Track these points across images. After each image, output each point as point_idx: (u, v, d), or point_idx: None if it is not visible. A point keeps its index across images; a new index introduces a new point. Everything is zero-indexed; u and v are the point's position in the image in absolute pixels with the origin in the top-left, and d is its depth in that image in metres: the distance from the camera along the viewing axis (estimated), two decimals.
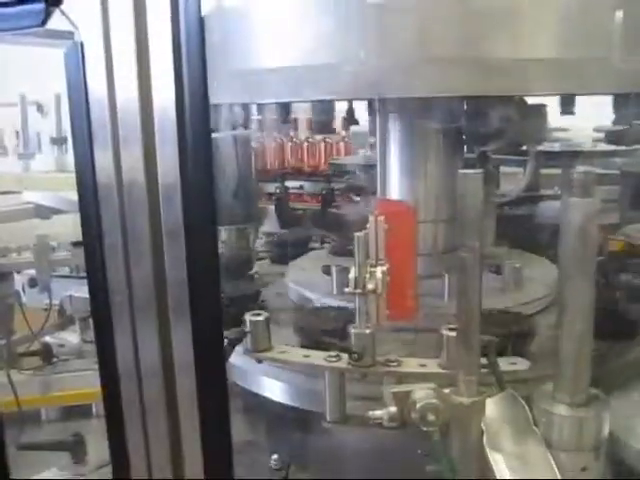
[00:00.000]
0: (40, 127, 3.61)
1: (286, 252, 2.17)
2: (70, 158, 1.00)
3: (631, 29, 1.33)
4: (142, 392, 1.00)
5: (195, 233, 0.90)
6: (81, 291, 2.38)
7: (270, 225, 2.40)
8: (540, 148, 2.06)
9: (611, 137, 2.30)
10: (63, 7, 0.91)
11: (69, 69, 0.91)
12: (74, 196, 0.99)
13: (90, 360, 2.07)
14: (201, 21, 0.88)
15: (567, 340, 1.00)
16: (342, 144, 3.20)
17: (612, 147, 2.30)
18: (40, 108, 3.78)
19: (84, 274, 1.02)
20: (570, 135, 2.97)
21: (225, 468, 1.01)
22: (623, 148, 2.25)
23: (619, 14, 1.31)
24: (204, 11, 0.89)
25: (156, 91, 0.90)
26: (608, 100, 1.64)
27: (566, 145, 2.52)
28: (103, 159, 0.93)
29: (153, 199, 0.91)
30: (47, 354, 2.31)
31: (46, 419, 2.23)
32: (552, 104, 1.81)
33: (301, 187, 2.99)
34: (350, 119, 3.00)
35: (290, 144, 3.04)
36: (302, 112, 3.18)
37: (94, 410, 2.13)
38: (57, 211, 2.45)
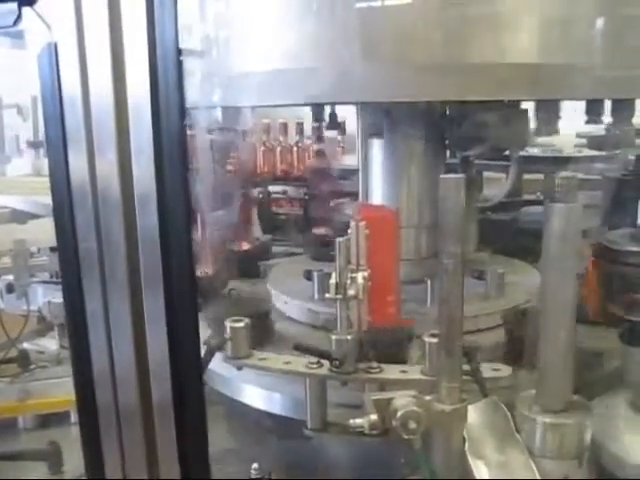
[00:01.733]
0: (20, 130, 3.57)
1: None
2: (45, 162, 0.98)
3: (611, 36, 1.34)
4: (117, 399, 0.98)
5: (171, 239, 0.89)
6: (60, 297, 2.35)
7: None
8: (523, 153, 2.06)
9: (593, 142, 2.31)
10: (37, 7, 0.90)
11: (43, 71, 0.89)
12: (50, 200, 0.97)
13: (69, 367, 2.04)
14: (177, 23, 0.86)
15: (549, 346, 1.00)
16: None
17: (594, 152, 2.31)
18: (20, 111, 3.74)
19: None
20: (553, 141, 2.99)
21: (202, 476, 0.99)
22: (605, 154, 2.25)
23: (600, 21, 1.31)
24: (181, 14, 0.87)
25: (131, 94, 0.88)
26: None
27: (549, 150, 2.53)
28: (78, 163, 0.91)
29: (128, 204, 0.89)
30: (24, 361, 2.27)
31: (23, 427, 2.19)
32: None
33: (284, 192, 2.98)
34: (332, 124, 3.00)
35: (278, 149, 3.03)
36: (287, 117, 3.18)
37: (72, 418, 2.09)
38: (34, 216, 2.41)
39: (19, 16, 0.90)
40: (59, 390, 2.05)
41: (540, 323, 1.01)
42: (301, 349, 1.24)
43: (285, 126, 3.07)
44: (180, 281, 0.90)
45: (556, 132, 1.55)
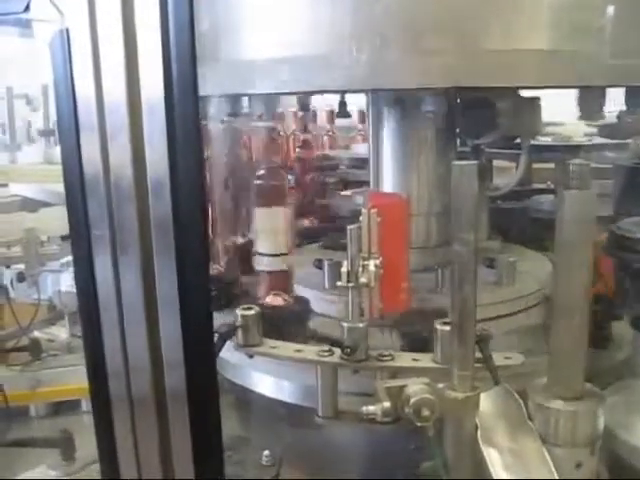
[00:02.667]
0: (30, 119, 3.58)
1: None
2: (57, 150, 0.98)
3: (622, 23, 1.32)
4: (130, 388, 0.98)
5: (185, 226, 0.89)
6: (71, 286, 2.36)
7: None
8: (533, 142, 2.05)
9: (604, 131, 2.30)
10: None
11: (55, 58, 0.89)
12: (62, 188, 0.97)
13: (79, 355, 2.05)
14: (191, 10, 0.86)
15: (562, 334, 0.99)
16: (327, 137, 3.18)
17: (606, 140, 2.30)
18: (29, 101, 3.75)
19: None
20: (563, 129, 2.97)
21: (215, 465, 1.00)
22: (616, 142, 2.24)
23: (610, 8, 1.30)
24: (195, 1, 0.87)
25: (144, 82, 0.88)
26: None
27: (559, 139, 2.52)
28: (90, 151, 0.91)
29: (141, 192, 0.89)
30: (36, 349, 2.29)
31: (35, 415, 2.21)
32: (546, 98, 1.81)
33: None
34: (341, 112, 2.99)
35: (282, 136, 3.02)
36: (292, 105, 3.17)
37: (83, 406, 2.11)
38: (45, 204, 2.42)
39: (29, 2, 0.89)
40: (70, 378, 2.07)
41: (553, 310, 1.01)
42: (313, 336, 1.25)
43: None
44: (193, 269, 0.90)
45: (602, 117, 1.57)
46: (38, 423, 2.17)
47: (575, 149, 2.45)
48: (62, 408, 2.16)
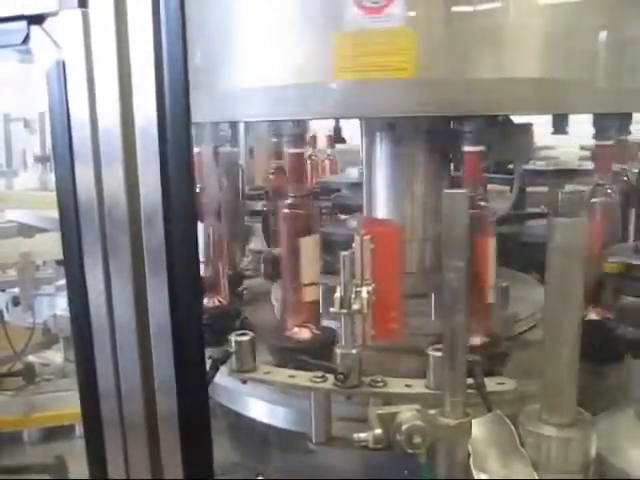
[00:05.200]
0: (26, 144, 3.60)
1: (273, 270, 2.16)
2: (53, 177, 0.99)
3: (613, 50, 1.35)
4: (122, 412, 0.98)
5: (177, 253, 0.90)
6: (66, 310, 2.36)
7: (256, 243, 2.39)
8: (526, 167, 2.07)
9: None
10: (45, 26, 0.91)
11: (51, 88, 0.90)
12: (57, 214, 0.98)
13: (74, 380, 2.04)
14: (184, 40, 0.87)
15: (553, 360, 1.00)
16: (327, 162, 3.21)
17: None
18: (27, 124, 3.77)
19: None
20: (557, 153, 3.00)
21: None
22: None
23: (602, 35, 1.32)
24: (189, 30, 0.88)
25: (138, 110, 0.89)
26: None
27: (552, 163, 2.54)
28: (84, 178, 0.92)
29: (135, 219, 0.90)
30: (29, 374, 2.28)
31: (28, 441, 2.19)
32: (538, 123, 1.83)
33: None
34: (337, 137, 3.01)
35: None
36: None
37: (77, 431, 2.09)
38: (41, 229, 2.43)
39: (28, 34, 0.91)
40: (64, 403, 2.06)
41: (544, 337, 1.01)
42: (306, 363, 1.25)
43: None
44: (186, 296, 0.91)
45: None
46: (31, 449, 2.16)
47: (568, 174, 2.47)
48: (56, 434, 2.14)
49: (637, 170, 1.84)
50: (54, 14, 0.90)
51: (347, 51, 1.20)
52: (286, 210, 1.42)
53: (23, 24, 0.91)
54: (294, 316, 1.44)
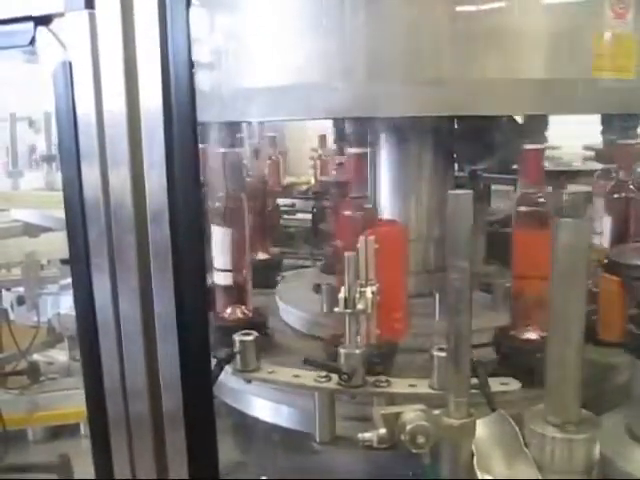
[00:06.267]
0: (31, 144, 3.61)
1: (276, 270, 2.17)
2: (60, 176, 0.99)
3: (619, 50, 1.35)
4: (128, 411, 0.98)
5: (183, 253, 0.90)
6: (70, 309, 2.37)
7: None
8: None
9: (601, 155, 2.31)
10: (52, 27, 0.91)
11: (57, 88, 0.91)
12: (63, 214, 0.98)
13: (78, 379, 2.05)
14: (189, 41, 0.88)
15: (557, 361, 1.00)
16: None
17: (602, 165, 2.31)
18: (32, 124, 3.78)
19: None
20: (560, 153, 2.99)
21: None
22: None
23: (607, 35, 1.32)
24: (193, 30, 0.89)
25: (144, 110, 0.89)
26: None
27: (556, 163, 2.54)
28: (91, 177, 0.92)
29: (140, 219, 0.91)
30: (34, 373, 2.29)
31: (33, 440, 2.20)
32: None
33: (293, 205, 2.99)
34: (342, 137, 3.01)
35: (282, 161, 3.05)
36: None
37: (82, 430, 2.10)
38: (46, 229, 2.44)
39: (34, 35, 0.91)
40: (69, 402, 2.06)
41: (548, 337, 1.01)
42: (310, 363, 1.25)
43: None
44: (192, 295, 0.91)
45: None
46: (35, 448, 2.16)
47: (571, 174, 2.47)
48: (60, 432, 2.15)
49: None
50: (61, 15, 0.90)
51: (604, 50, 1.25)
52: None
53: (30, 25, 0.92)
54: None
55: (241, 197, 1.57)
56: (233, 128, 1.57)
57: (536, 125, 1.38)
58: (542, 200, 1.35)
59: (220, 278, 1.56)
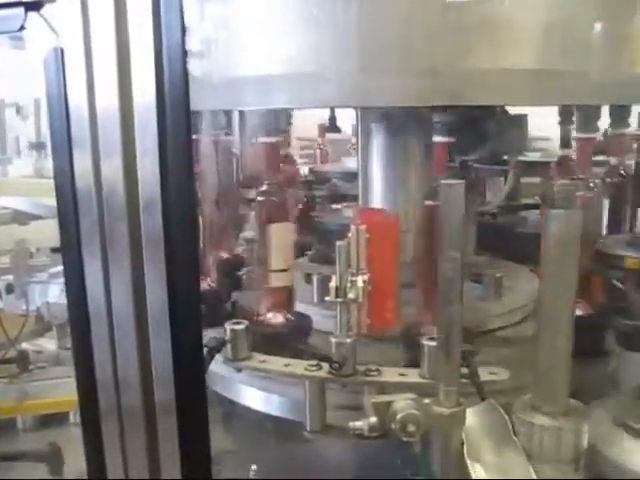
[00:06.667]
0: (19, 131, 3.58)
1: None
2: (49, 163, 0.98)
3: (610, 42, 1.35)
4: (120, 401, 0.98)
5: (175, 242, 0.90)
6: (59, 297, 2.36)
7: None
8: (521, 158, 2.07)
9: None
10: (43, 12, 0.90)
11: (49, 75, 0.90)
12: (53, 202, 0.98)
13: (68, 367, 2.05)
14: (183, 29, 0.87)
15: (546, 350, 1.01)
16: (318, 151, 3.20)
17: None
18: (19, 110, 3.75)
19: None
20: (551, 145, 3.00)
21: (204, 478, 1.00)
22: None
23: (598, 27, 1.33)
24: (186, 19, 0.88)
25: (137, 98, 0.89)
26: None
27: (547, 155, 2.55)
28: (82, 166, 0.92)
29: (133, 207, 0.90)
30: (23, 361, 2.28)
31: (22, 428, 2.19)
32: (533, 114, 1.83)
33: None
34: (332, 127, 3.01)
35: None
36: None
37: (71, 418, 2.10)
38: (36, 217, 2.42)
39: (25, 21, 0.90)
40: (58, 391, 2.06)
41: (538, 327, 1.02)
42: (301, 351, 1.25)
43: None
44: (184, 284, 0.91)
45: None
46: (25, 436, 2.16)
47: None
48: (50, 421, 2.14)
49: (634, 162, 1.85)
50: (52, 1, 0.89)
51: None
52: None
53: (20, 10, 0.91)
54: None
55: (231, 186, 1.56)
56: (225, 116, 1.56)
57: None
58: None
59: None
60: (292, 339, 1.42)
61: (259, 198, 1.50)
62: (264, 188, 1.49)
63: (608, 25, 1.33)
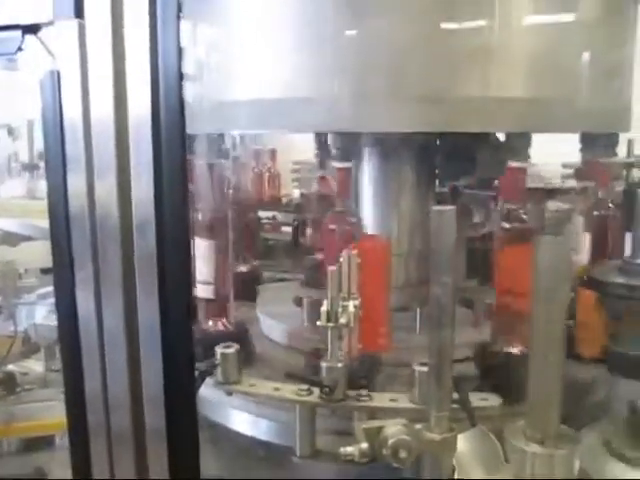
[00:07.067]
0: (10, 151, 3.57)
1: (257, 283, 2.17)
2: (41, 185, 0.99)
3: (599, 70, 1.37)
4: (109, 422, 0.98)
5: (169, 264, 0.90)
6: (47, 319, 2.34)
7: None
8: None
9: (580, 173, 2.34)
10: (40, 35, 0.91)
11: (45, 97, 0.90)
12: (44, 223, 0.97)
13: (55, 390, 2.03)
14: (179, 52, 0.88)
15: (538, 377, 1.01)
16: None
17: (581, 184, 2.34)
18: (11, 131, 3.75)
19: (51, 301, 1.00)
20: (538, 170, 3.03)
21: None
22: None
23: (587, 55, 1.35)
24: (182, 42, 0.89)
25: (132, 120, 0.89)
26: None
27: (536, 180, 2.56)
28: (76, 187, 0.92)
29: (126, 229, 0.90)
30: (10, 383, 2.25)
31: (7, 451, 2.16)
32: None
33: (274, 217, 2.99)
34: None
35: (267, 174, 3.06)
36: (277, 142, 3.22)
37: (57, 442, 2.07)
38: (26, 238, 2.41)
39: (22, 43, 0.91)
40: (45, 413, 2.03)
41: (529, 355, 1.02)
42: (291, 376, 1.25)
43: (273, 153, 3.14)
44: (176, 306, 0.91)
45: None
46: (10, 460, 2.12)
47: (550, 191, 2.49)
48: (35, 444, 2.11)
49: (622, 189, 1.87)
50: (49, 24, 0.90)
51: None
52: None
53: (18, 33, 0.92)
54: None
55: (223, 209, 1.57)
56: (218, 140, 1.57)
57: (519, 142, 1.40)
58: (524, 217, 1.37)
59: (202, 291, 1.56)
60: None
61: None
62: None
63: (596, 55, 1.36)
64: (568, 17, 1.33)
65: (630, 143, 2.98)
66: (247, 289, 2.00)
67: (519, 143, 1.40)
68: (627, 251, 1.39)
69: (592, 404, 1.41)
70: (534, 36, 1.32)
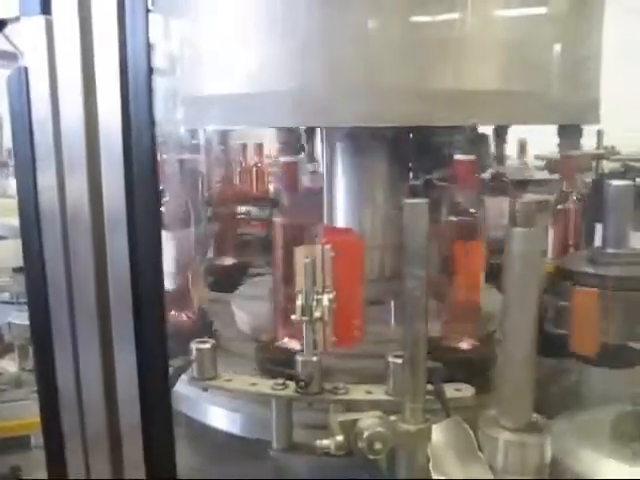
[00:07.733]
0: None
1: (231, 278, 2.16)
2: (11, 182, 0.98)
3: (568, 63, 1.39)
4: (84, 422, 0.97)
5: (141, 261, 0.89)
6: (20, 318, 2.32)
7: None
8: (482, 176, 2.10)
9: (551, 165, 2.37)
10: (7, 31, 0.90)
11: (12, 94, 0.89)
12: (16, 222, 0.96)
13: (28, 389, 2.01)
14: (148, 47, 0.87)
15: (509, 366, 1.02)
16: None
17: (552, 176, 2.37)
18: None
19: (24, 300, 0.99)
20: (510, 163, 3.06)
21: None
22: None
23: (557, 48, 1.37)
24: (151, 37, 0.88)
25: (102, 117, 0.88)
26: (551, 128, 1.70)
27: (508, 173, 2.59)
28: (46, 185, 0.91)
29: (98, 226, 0.90)
30: None
31: None
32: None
33: (248, 212, 2.98)
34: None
35: (238, 169, 3.05)
36: (252, 137, 3.21)
37: (33, 442, 2.05)
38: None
39: None
40: (19, 413, 2.02)
41: (501, 344, 1.04)
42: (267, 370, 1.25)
43: (244, 147, 3.13)
44: (149, 303, 0.91)
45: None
46: None
47: (525, 183, 2.52)
48: (9, 445, 2.09)
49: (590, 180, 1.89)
50: (15, 20, 0.89)
51: None
52: None
53: None
54: None
55: (186, 202, 1.57)
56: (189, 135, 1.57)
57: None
58: (472, 210, 1.39)
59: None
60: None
61: None
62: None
63: (566, 47, 1.37)
64: (538, 10, 1.35)
65: (599, 135, 3.02)
66: (225, 283, 2.01)
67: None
68: (596, 242, 1.41)
69: (561, 392, 1.43)
70: (505, 27, 1.33)
